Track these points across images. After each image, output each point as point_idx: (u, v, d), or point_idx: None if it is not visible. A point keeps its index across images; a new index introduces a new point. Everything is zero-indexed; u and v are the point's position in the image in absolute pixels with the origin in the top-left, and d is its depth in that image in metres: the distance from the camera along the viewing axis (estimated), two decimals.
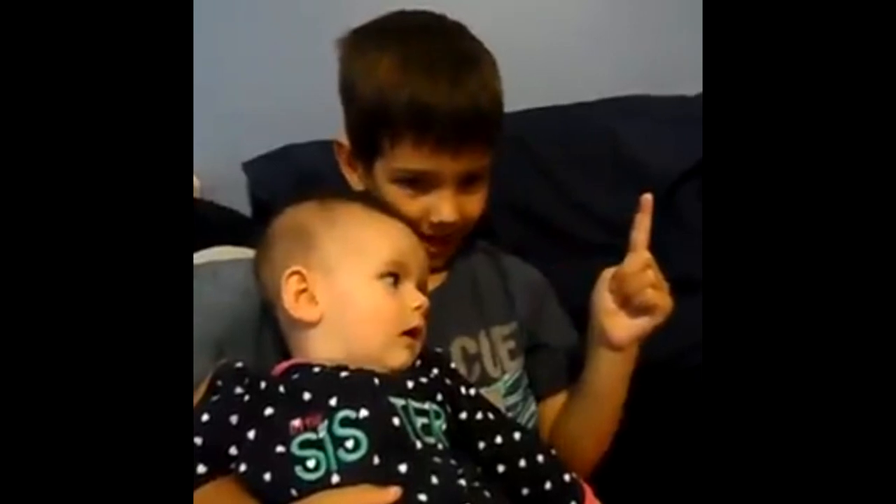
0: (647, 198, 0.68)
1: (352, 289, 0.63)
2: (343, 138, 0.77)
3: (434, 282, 0.77)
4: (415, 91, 0.69)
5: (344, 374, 0.58)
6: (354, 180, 0.78)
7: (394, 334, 0.62)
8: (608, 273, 0.69)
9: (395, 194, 0.73)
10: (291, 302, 0.63)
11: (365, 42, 0.75)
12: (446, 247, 0.77)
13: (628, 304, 0.68)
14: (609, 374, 0.71)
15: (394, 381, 0.59)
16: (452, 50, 0.73)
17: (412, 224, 0.72)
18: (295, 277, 0.63)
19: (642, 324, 0.68)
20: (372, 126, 0.71)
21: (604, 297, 0.69)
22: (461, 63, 0.71)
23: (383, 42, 0.73)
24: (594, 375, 0.72)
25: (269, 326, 0.69)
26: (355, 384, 0.58)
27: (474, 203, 0.76)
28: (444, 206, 0.72)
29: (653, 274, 0.67)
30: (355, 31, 0.76)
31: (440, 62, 0.70)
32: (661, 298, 0.67)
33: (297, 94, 1.11)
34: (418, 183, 0.72)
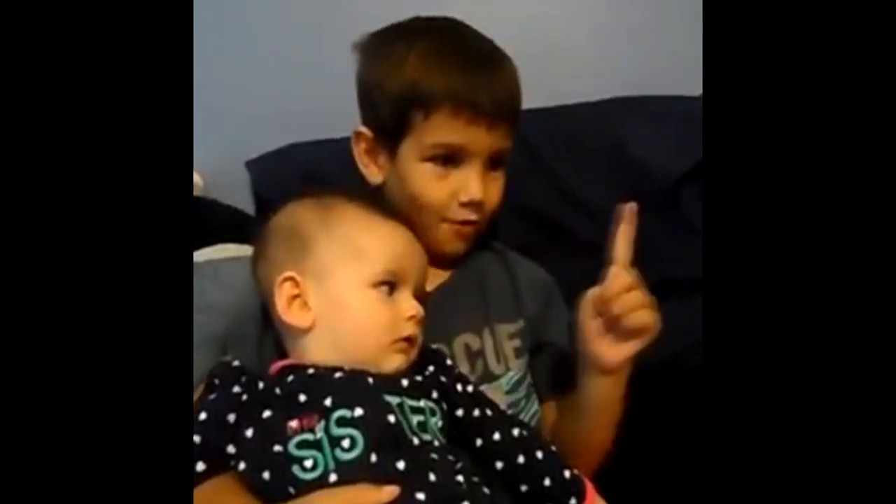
0: (632, 206, 0.67)
1: (345, 296, 0.62)
2: (361, 128, 0.77)
3: (440, 277, 0.77)
4: (449, 73, 0.71)
5: (338, 374, 0.58)
6: (373, 172, 0.78)
7: (386, 343, 0.61)
8: (590, 296, 0.67)
9: (424, 175, 0.73)
10: (284, 307, 0.62)
11: (389, 41, 0.76)
12: (473, 230, 0.77)
13: (615, 327, 0.65)
14: (602, 397, 0.70)
15: (388, 379, 0.59)
16: (478, 45, 0.76)
17: (439, 208, 0.73)
18: (288, 283, 0.63)
19: (632, 346, 0.66)
20: (404, 106, 0.72)
21: (588, 323, 0.67)
22: (488, 55, 0.75)
23: (409, 38, 0.74)
24: (587, 398, 0.71)
25: (272, 324, 0.69)
26: (349, 384, 0.58)
27: (496, 189, 0.76)
28: (472, 184, 0.73)
29: (637, 295, 0.64)
30: (375, 34, 0.78)
31: (469, 53, 0.74)
32: (649, 318, 0.65)
33: (300, 93, 1.12)
34: (449, 160, 0.73)
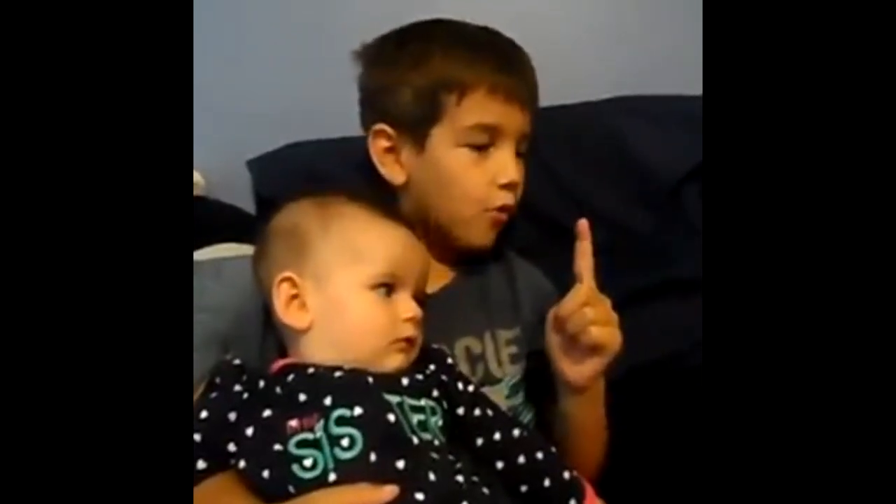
0: (584, 223, 0.67)
1: (343, 298, 0.62)
2: (381, 125, 0.76)
3: (443, 280, 0.77)
4: (482, 58, 0.72)
5: (338, 373, 0.59)
6: (395, 171, 0.77)
7: (384, 344, 0.61)
8: (552, 313, 0.67)
9: (461, 161, 0.73)
10: (282, 308, 0.62)
11: (401, 41, 0.76)
12: (503, 222, 0.77)
13: (575, 344, 0.65)
14: (578, 414, 0.71)
15: (388, 378, 0.59)
16: (496, 35, 0.77)
17: (481, 197, 0.74)
18: (286, 284, 0.63)
19: (593, 365, 0.66)
20: (434, 93, 0.72)
21: (551, 340, 0.67)
22: (508, 44, 0.77)
23: (425, 36, 0.75)
24: (563, 413, 0.71)
25: (273, 323, 0.69)
26: (349, 383, 0.58)
27: (523, 175, 0.77)
28: (509, 165, 0.73)
29: (592, 311, 0.64)
30: (379, 40, 0.78)
31: (491, 42, 0.75)
32: (607, 335, 0.64)
33: (301, 93, 1.12)
34: (484, 143, 0.73)
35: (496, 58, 0.73)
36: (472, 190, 0.74)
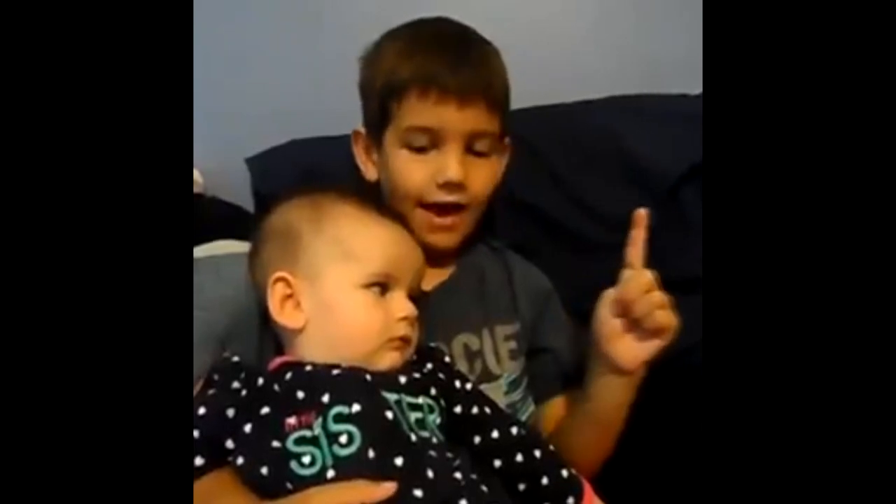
0: (641, 213, 0.67)
1: (336, 297, 0.62)
2: (359, 128, 0.80)
3: (440, 276, 0.78)
4: (420, 59, 0.72)
5: (336, 371, 0.59)
6: (369, 170, 0.80)
7: (378, 344, 0.61)
8: (609, 296, 0.67)
9: (404, 161, 0.74)
10: (277, 308, 0.62)
11: (380, 41, 0.78)
12: (456, 220, 0.75)
13: (636, 327, 0.66)
14: (615, 400, 0.70)
15: (386, 376, 0.59)
16: (460, 33, 0.77)
17: (416, 192, 0.73)
18: (280, 284, 0.63)
19: (652, 346, 0.66)
20: (384, 98, 0.73)
21: (608, 322, 0.67)
22: (461, 40, 0.75)
23: (395, 35, 0.76)
24: (598, 402, 0.71)
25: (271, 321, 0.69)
26: (347, 380, 0.58)
27: (482, 175, 0.75)
28: (449, 164, 0.72)
29: (659, 295, 0.65)
30: (375, 42, 0.79)
31: (447, 40, 0.74)
32: (670, 319, 0.65)
33: (300, 91, 1.12)
34: (425, 145, 0.73)
35: (432, 57, 0.72)
36: (410, 186, 0.73)
